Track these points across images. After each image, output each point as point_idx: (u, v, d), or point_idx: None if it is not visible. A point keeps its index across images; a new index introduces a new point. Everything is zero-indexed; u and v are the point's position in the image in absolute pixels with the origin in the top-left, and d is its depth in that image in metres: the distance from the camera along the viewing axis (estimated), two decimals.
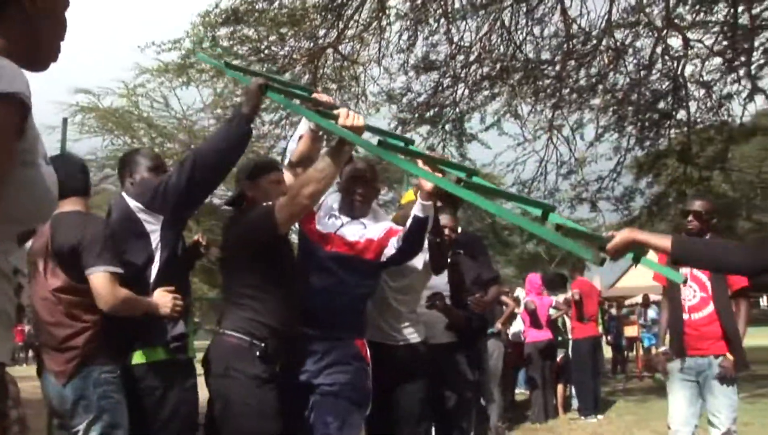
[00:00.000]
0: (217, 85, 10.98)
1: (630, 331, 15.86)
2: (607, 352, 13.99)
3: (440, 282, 4.30)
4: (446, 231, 4.18)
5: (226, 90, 11.06)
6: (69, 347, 2.95)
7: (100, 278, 2.92)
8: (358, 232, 3.63)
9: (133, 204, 3.10)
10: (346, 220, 3.65)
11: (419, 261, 3.95)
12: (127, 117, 16.05)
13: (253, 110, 3.06)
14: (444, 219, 4.17)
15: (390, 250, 3.60)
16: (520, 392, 11.08)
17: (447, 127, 12.19)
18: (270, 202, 3.16)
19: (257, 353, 3.10)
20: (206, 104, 12.91)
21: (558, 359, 9.71)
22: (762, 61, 10.57)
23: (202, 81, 10.84)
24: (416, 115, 11.95)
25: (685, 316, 4.77)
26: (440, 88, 11.69)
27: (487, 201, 2.54)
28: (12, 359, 1.71)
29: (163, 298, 3.06)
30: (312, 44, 10.58)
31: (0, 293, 1.50)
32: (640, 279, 20.54)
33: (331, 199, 3.75)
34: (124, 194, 3.26)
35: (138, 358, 3.06)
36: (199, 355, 3.26)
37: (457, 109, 11.95)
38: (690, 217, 4.80)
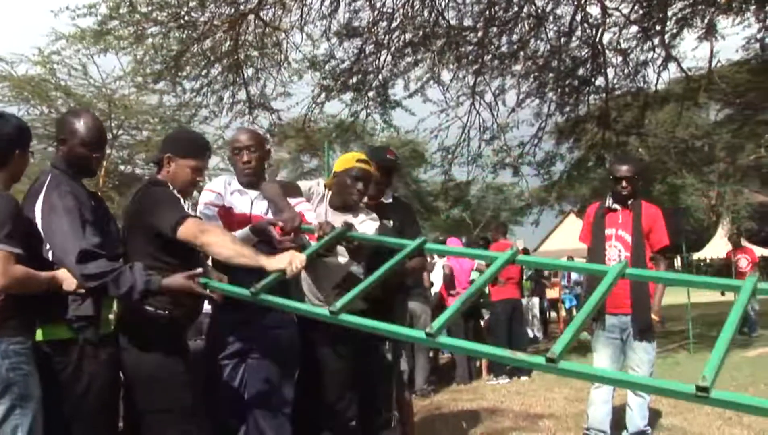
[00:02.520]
0: (137, 52, 10.63)
1: (552, 292, 16.26)
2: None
3: None
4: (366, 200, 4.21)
5: (146, 57, 10.73)
6: None
7: None
8: (265, 205, 3.75)
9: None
10: (253, 194, 3.73)
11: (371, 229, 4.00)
12: (44, 85, 15.34)
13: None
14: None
15: None
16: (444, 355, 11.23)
17: (370, 94, 12.18)
18: (184, 213, 3.11)
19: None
20: (126, 72, 12.51)
21: (484, 322, 9.88)
22: (675, 31, 10.88)
23: (120, 48, 10.46)
24: (339, 82, 11.88)
25: None
26: (363, 54, 11.63)
27: None
28: None
29: (68, 274, 2.95)
30: (233, 10, 10.34)
31: None
32: (564, 241, 21.11)
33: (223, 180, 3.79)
34: (50, 175, 3.12)
35: (40, 335, 2.98)
36: None
37: (381, 76, 11.94)
38: (624, 184, 4.95)
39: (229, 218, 3.66)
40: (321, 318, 2.79)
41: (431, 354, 9.54)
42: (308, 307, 2.94)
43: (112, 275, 2.90)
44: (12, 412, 2.75)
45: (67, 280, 2.94)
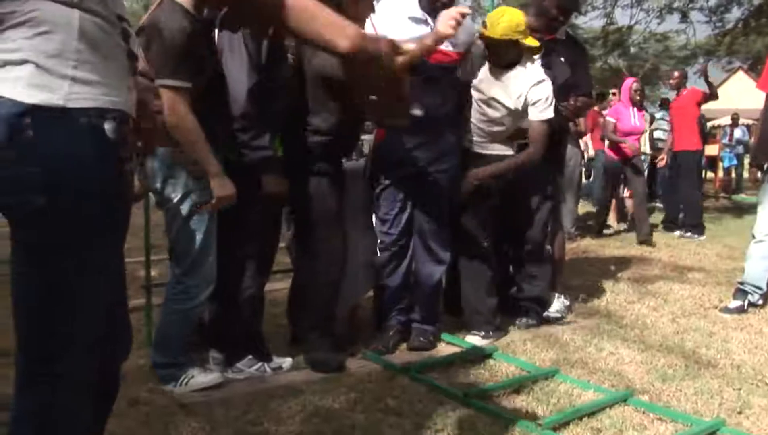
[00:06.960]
0: None
1: (711, 150, 15.45)
2: None
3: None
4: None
5: None
6: None
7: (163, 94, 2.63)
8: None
9: None
10: (431, 22, 3.58)
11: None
12: None
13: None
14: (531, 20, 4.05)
15: None
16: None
17: None
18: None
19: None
20: None
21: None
22: None
23: None
24: None
25: None
26: None
27: None
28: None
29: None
30: None
31: (107, 39, 1.46)
32: (729, 100, 19.69)
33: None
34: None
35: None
36: None
37: None
38: None
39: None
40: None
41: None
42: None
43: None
44: (190, 218, 3.03)
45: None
